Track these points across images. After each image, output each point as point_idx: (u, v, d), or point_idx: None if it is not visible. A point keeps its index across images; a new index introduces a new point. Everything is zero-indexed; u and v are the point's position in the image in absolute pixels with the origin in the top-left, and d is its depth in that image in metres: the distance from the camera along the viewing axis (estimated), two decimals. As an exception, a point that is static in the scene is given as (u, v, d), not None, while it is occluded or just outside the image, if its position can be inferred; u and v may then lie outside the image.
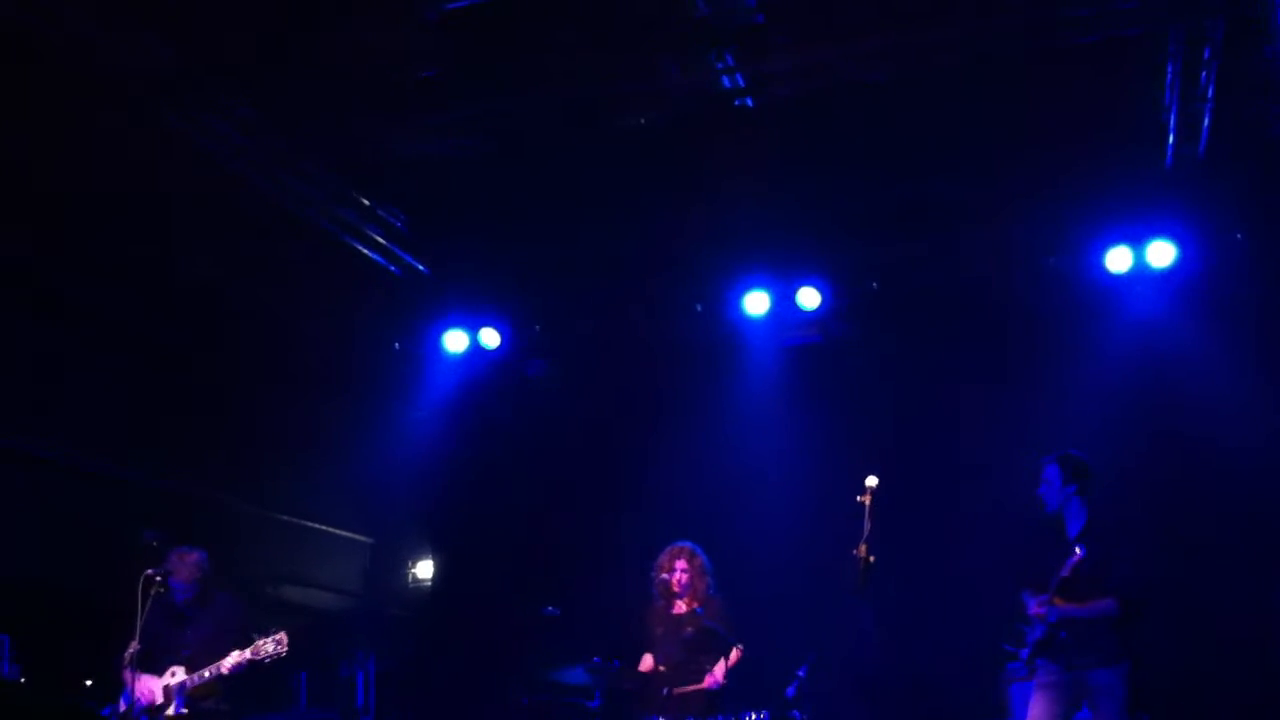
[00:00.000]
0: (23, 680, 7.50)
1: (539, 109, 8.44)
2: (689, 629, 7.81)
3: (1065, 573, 6.54)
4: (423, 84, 8.14)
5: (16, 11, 7.02)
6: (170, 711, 7.10)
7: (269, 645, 7.02)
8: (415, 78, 8.09)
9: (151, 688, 7.14)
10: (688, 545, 7.99)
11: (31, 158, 7.82)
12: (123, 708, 7.17)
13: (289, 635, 7.05)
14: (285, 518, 10.70)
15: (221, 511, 9.82)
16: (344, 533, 11.40)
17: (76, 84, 7.55)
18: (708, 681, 7.62)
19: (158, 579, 7.04)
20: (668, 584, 7.87)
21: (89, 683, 8.08)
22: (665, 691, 7.63)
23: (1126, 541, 6.71)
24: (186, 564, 7.35)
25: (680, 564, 7.90)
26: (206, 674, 7.10)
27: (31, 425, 8.54)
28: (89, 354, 8.95)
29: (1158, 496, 8.87)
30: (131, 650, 7.02)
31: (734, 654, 7.55)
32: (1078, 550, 6.55)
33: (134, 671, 7.02)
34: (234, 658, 7.04)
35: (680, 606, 7.88)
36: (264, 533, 10.44)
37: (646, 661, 8.00)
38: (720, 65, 7.97)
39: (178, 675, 7.19)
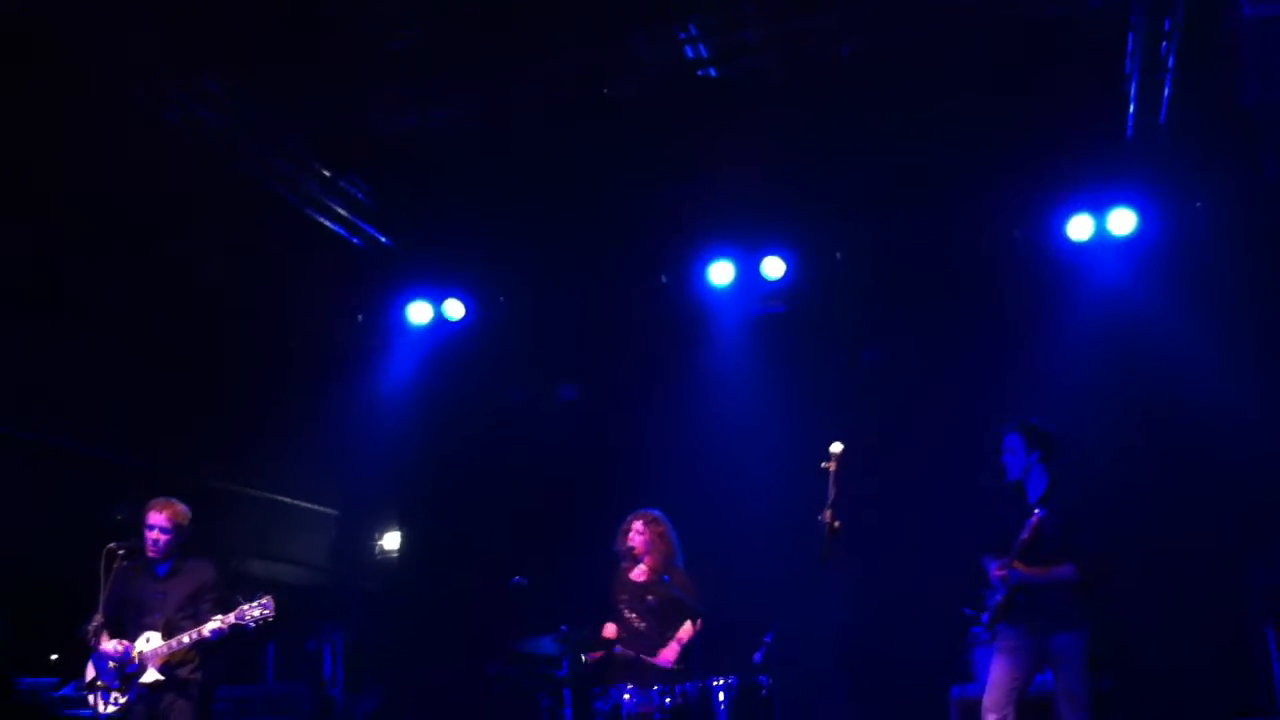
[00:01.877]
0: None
1: (506, 82, 8.41)
2: (652, 597, 7.83)
3: (1025, 535, 6.59)
4: (391, 57, 8.08)
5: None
6: (146, 678, 6.79)
7: (255, 610, 6.77)
8: (383, 51, 8.03)
9: (118, 653, 6.84)
10: (649, 511, 8.01)
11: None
12: (88, 678, 6.94)
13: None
14: (250, 491, 10.69)
15: (186, 486, 9.75)
16: (309, 505, 11.39)
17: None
18: (659, 659, 7.65)
19: (120, 552, 6.89)
20: (628, 549, 7.89)
21: (54, 656, 8.03)
22: (617, 652, 7.67)
23: (1089, 507, 6.75)
24: (171, 505, 7.08)
25: (637, 525, 7.92)
26: (185, 639, 6.81)
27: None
28: (50, 335, 8.86)
29: (1123, 463, 8.91)
30: (95, 623, 6.84)
31: (690, 627, 7.59)
32: (1036, 511, 6.61)
33: (96, 644, 6.85)
34: (215, 622, 6.78)
35: (641, 572, 7.90)
36: (228, 507, 10.41)
37: (609, 629, 8.01)
38: (684, 35, 7.97)
39: (153, 641, 6.88)
